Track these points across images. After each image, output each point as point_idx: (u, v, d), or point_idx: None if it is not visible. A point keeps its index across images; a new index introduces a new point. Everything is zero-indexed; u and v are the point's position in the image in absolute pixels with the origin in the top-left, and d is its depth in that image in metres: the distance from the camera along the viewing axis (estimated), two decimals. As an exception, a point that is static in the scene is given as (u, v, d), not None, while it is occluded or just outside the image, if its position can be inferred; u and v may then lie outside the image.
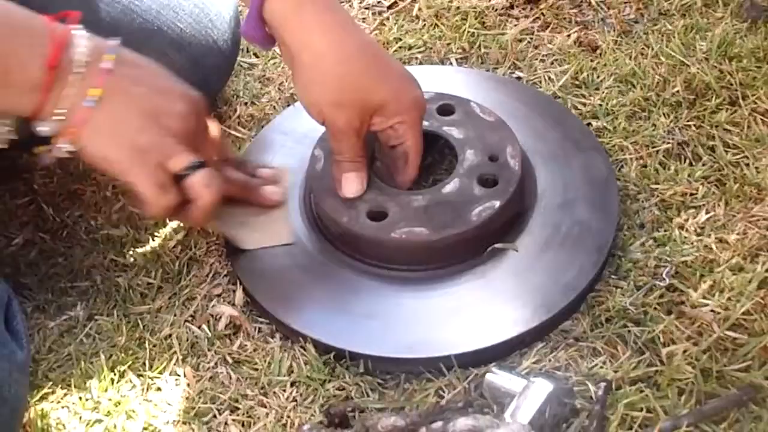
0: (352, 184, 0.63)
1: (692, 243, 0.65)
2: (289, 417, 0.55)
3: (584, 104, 0.79)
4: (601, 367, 0.56)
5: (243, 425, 0.55)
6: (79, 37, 0.54)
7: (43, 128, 0.54)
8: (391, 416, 0.48)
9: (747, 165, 0.72)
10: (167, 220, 0.69)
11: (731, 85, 0.80)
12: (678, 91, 0.79)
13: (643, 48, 0.86)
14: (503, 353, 0.57)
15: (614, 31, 0.88)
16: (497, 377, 0.54)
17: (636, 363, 0.56)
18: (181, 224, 0.69)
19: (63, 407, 0.57)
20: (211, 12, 0.71)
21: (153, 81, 0.57)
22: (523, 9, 0.92)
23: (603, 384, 0.53)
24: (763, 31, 0.86)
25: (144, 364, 0.59)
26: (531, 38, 0.88)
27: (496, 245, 0.62)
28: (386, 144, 0.63)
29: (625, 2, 0.93)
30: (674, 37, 0.87)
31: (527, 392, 0.51)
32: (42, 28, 0.53)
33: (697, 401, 0.54)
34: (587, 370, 0.56)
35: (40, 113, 0.54)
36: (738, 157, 0.73)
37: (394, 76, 0.61)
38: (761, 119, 0.77)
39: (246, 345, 0.60)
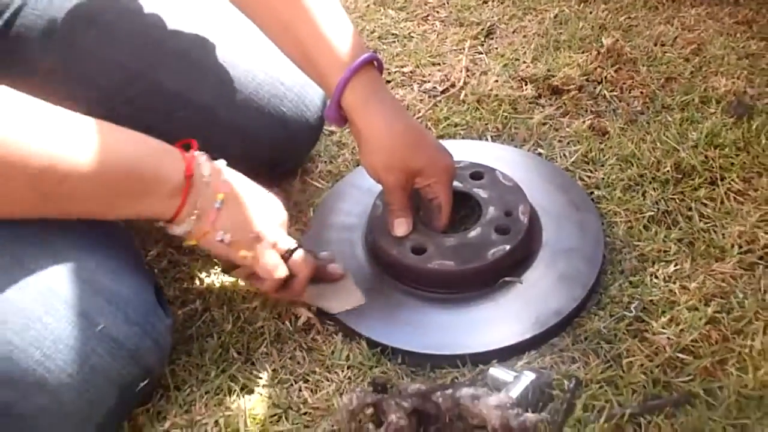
0: (401, 227, 0.84)
1: (660, 287, 0.83)
2: (345, 388, 0.76)
3: (589, 177, 0.99)
4: (576, 370, 0.75)
5: (311, 391, 0.76)
6: (201, 156, 0.71)
7: (179, 229, 0.70)
8: (416, 383, 0.68)
9: (716, 232, 0.90)
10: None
11: (713, 168, 0.97)
12: (668, 171, 0.97)
13: (644, 135, 1.04)
14: (504, 356, 0.76)
15: (622, 119, 1.08)
16: (497, 371, 0.73)
17: (603, 369, 0.75)
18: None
19: (185, 370, 0.79)
20: (306, 98, 0.92)
21: (252, 187, 0.75)
22: (549, 98, 1.13)
23: (574, 380, 0.72)
24: (746, 125, 1.04)
25: (243, 345, 0.81)
26: (553, 122, 1.09)
27: (506, 278, 0.82)
28: (426, 198, 0.84)
29: (634, 97, 1.12)
30: (671, 126, 1.05)
31: (517, 379, 0.71)
32: (175, 149, 0.70)
33: (644, 399, 0.72)
34: (565, 371, 0.75)
35: (178, 216, 0.69)
36: (709, 225, 0.90)
37: (431, 148, 0.82)
38: (734, 197, 0.94)
39: (317, 338, 0.81)
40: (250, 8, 0.82)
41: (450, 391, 0.67)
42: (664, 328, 0.79)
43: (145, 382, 0.68)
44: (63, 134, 0.63)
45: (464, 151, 0.96)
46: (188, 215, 0.70)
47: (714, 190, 0.95)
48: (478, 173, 0.91)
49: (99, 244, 0.69)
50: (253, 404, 0.75)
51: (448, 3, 1.39)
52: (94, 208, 0.67)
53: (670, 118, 1.07)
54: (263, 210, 0.74)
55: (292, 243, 0.76)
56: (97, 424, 0.66)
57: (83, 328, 0.63)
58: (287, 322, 0.83)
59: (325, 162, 1.05)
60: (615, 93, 1.13)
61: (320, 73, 0.79)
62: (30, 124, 0.61)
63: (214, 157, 0.74)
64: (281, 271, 0.75)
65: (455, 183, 0.86)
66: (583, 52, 1.20)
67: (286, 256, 0.76)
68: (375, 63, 0.80)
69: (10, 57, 0.84)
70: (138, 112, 0.76)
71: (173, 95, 0.87)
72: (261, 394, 0.76)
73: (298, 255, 0.76)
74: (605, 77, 1.15)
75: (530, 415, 0.66)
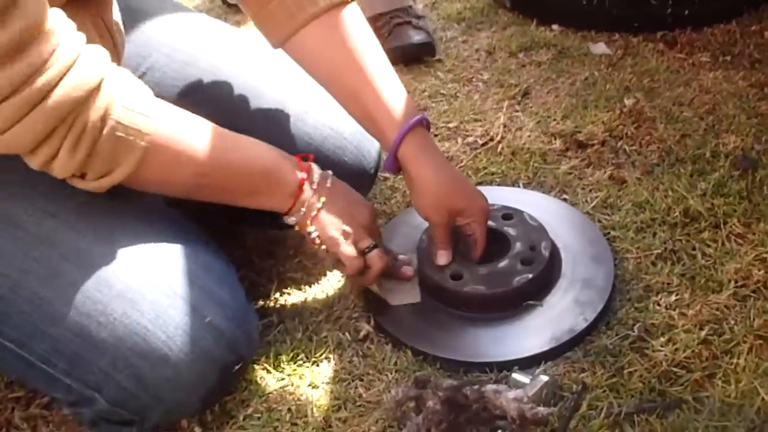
0: (442, 257, 1.01)
1: (661, 313, 0.97)
2: (392, 386, 0.92)
3: (607, 220, 1.14)
4: (584, 378, 0.90)
5: (365, 388, 0.92)
6: (314, 167, 0.92)
7: (290, 219, 0.91)
8: (448, 380, 0.85)
9: (715, 269, 1.03)
10: (347, 279, 1.06)
11: (717, 214, 1.11)
12: (677, 216, 1.11)
13: (658, 184, 1.19)
14: (524, 365, 0.92)
15: (639, 171, 1.23)
16: (517, 375, 0.89)
17: (607, 378, 0.90)
18: (357, 284, 1.02)
19: (264, 369, 0.96)
20: (364, 149, 1.10)
21: (349, 193, 0.94)
22: (575, 152, 1.29)
23: (582, 384, 0.88)
24: (750, 177, 1.17)
25: (311, 350, 0.98)
26: (577, 172, 1.24)
27: (528, 301, 0.98)
28: (464, 234, 1.01)
29: (651, 151, 1.27)
30: (683, 177, 1.19)
31: (533, 382, 0.86)
32: (294, 159, 0.91)
33: (640, 402, 0.87)
34: (575, 378, 0.90)
35: (291, 210, 0.90)
36: (710, 262, 1.04)
37: (470, 193, 0.99)
38: (734, 239, 1.08)
39: (371, 347, 0.98)
40: (320, 75, 1.00)
41: (477, 386, 0.83)
42: (662, 346, 0.93)
43: (238, 366, 0.87)
44: (222, 141, 0.86)
45: (499, 195, 1.13)
46: (297, 211, 0.91)
47: (717, 232, 1.09)
48: (508, 214, 1.08)
49: (209, 263, 0.89)
50: (318, 397, 0.93)
51: (490, 66, 1.58)
52: (231, 198, 0.89)
53: (682, 170, 1.21)
54: (352, 213, 0.94)
55: (370, 242, 0.95)
56: (201, 397, 0.85)
57: (196, 319, 0.83)
58: (347, 333, 1.00)
59: (380, 203, 1.24)
60: (634, 147, 1.28)
61: (380, 131, 0.98)
62: (201, 132, 0.85)
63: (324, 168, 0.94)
64: (357, 263, 0.94)
65: (489, 222, 1.03)
66: (607, 111, 1.36)
67: (366, 251, 0.94)
68: (424, 123, 0.98)
69: None
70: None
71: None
72: (324, 390, 0.93)
73: (375, 252, 0.95)
74: (626, 133, 1.31)
75: (542, 409, 0.81)
